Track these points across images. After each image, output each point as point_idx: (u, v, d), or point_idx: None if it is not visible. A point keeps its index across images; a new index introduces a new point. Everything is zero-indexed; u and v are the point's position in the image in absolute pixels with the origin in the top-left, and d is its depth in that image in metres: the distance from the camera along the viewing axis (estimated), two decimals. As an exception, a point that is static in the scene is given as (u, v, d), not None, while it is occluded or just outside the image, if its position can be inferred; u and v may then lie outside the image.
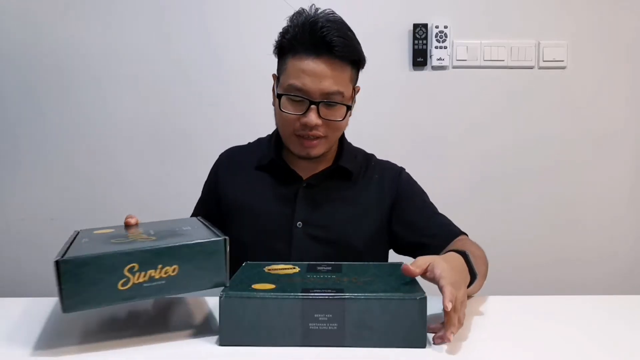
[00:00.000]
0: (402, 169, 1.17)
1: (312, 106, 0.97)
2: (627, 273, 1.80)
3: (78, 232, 0.83)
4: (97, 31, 1.70)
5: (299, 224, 1.04)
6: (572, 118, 1.76)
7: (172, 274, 0.66)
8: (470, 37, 1.72)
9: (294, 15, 1.00)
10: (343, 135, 1.14)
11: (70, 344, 0.69)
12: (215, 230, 0.74)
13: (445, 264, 0.73)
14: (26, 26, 1.69)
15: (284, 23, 1.02)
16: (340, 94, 0.99)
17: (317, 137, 1.00)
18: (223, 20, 1.70)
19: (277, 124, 1.06)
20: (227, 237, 0.69)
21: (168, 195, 1.68)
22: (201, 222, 0.84)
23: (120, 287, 0.64)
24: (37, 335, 0.72)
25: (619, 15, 1.74)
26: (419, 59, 1.72)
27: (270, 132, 1.19)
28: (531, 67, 1.74)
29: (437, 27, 1.71)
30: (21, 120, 1.71)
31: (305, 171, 1.08)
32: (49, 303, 0.88)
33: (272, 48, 1.05)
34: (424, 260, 0.73)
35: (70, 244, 0.74)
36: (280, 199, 1.07)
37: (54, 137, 1.72)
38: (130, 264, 0.64)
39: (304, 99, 0.97)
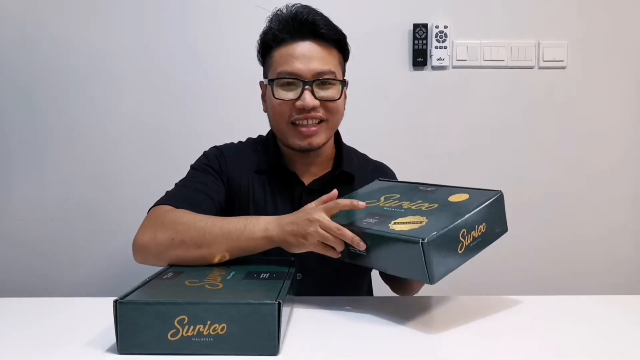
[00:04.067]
0: (393, 172, 1.21)
1: (307, 87, 0.98)
2: (629, 274, 1.80)
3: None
4: (93, 33, 1.69)
5: None
6: (572, 118, 1.76)
7: (221, 333, 0.63)
8: (470, 37, 1.72)
9: (271, 16, 1.03)
10: (340, 136, 1.14)
11: (70, 345, 0.69)
12: (281, 290, 0.69)
13: None
14: (21, 26, 1.69)
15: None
16: (332, 72, 1.00)
17: (318, 123, 1.00)
18: (220, 23, 1.71)
19: (273, 121, 1.05)
20: (280, 302, 0.64)
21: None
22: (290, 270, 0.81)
23: (169, 338, 0.63)
24: (36, 336, 0.72)
25: (619, 15, 1.74)
26: (419, 59, 1.72)
27: (258, 135, 1.18)
28: (531, 67, 1.74)
29: (437, 27, 1.70)
30: (20, 120, 1.71)
31: (307, 176, 1.07)
32: (49, 303, 0.88)
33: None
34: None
35: (152, 278, 0.75)
36: (282, 204, 1.05)
37: (54, 137, 1.72)
38: (180, 315, 0.63)
39: (296, 80, 0.98)
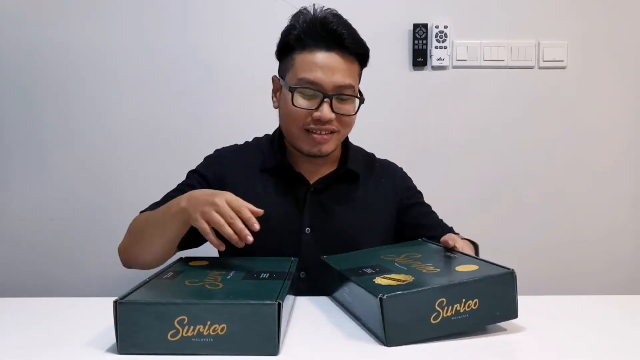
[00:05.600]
0: (402, 169, 1.19)
1: (326, 99, 0.97)
2: (629, 273, 1.80)
3: (181, 258, 0.89)
4: (93, 33, 1.69)
5: (307, 229, 1.03)
6: (572, 118, 1.76)
7: (221, 334, 0.63)
8: (470, 37, 1.72)
9: (296, 13, 1.02)
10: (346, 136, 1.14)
11: (70, 345, 0.69)
12: (284, 289, 0.69)
13: (465, 245, 0.92)
14: (21, 26, 1.69)
15: (277, 23, 1.03)
16: (352, 87, 1.00)
17: (330, 132, 1.00)
18: (221, 25, 1.71)
19: (284, 122, 1.04)
20: (280, 302, 0.63)
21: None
22: (289, 270, 0.82)
23: (169, 338, 0.63)
24: (36, 336, 0.72)
25: (619, 15, 1.74)
26: (419, 59, 1.72)
27: (263, 134, 1.18)
28: (531, 67, 1.74)
29: (437, 27, 1.70)
30: (20, 120, 1.71)
31: (312, 175, 1.07)
32: (49, 303, 0.88)
33: (270, 49, 1.06)
34: (453, 238, 0.89)
35: (152, 278, 0.76)
36: (287, 204, 1.05)
37: (54, 137, 1.72)
38: (180, 315, 0.63)
39: (317, 92, 0.97)
